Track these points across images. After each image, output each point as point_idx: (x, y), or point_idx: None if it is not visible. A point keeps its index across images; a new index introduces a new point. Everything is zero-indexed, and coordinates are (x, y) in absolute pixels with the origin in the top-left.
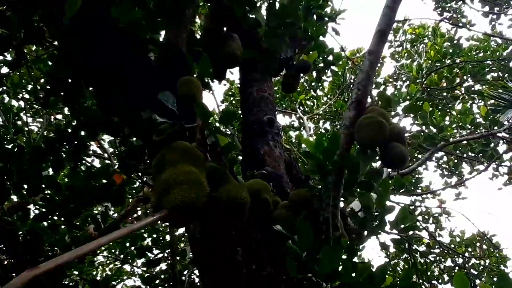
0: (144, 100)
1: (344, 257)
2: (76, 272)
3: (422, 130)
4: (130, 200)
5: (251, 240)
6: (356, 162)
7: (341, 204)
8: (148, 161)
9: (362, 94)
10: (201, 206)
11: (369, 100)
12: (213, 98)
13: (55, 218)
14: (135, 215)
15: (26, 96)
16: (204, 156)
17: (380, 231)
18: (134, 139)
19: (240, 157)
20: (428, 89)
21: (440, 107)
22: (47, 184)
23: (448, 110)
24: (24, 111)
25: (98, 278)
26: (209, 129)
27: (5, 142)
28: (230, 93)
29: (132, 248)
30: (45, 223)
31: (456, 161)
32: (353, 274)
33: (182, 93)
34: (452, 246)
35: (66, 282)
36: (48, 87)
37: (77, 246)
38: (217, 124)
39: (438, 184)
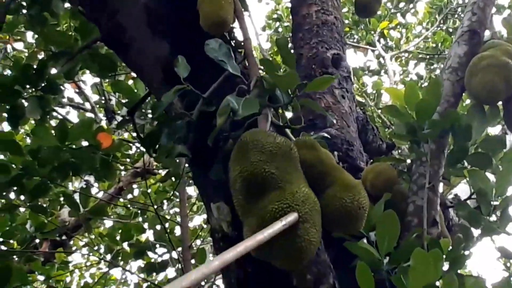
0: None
1: (445, 267)
2: (41, 278)
3: None
4: (123, 173)
5: None
6: (466, 124)
7: (441, 187)
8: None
9: (478, 21)
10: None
11: (488, 31)
12: (251, 23)
13: (12, 196)
14: (129, 196)
15: None
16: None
17: (500, 230)
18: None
19: (289, 113)
20: None
21: None
22: (2, 146)
23: None
24: None
25: (73, 287)
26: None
27: None
28: (276, 16)
29: (125, 244)
30: None
31: None
32: None
33: (207, 17)
34: None
35: None
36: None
37: (44, 237)
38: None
39: None
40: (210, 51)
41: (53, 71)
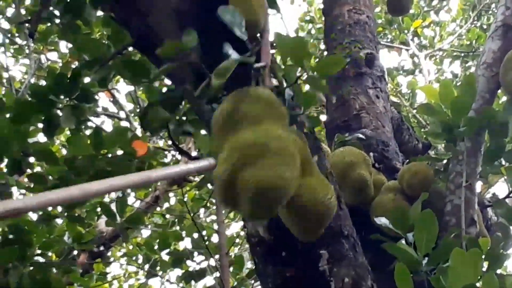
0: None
1: (484, 267)
2: None
3: None
4: (159, 182)
5: (341, 238)
6: (503, 120)
7: (479, 186)
8: (184, 117)
9: None
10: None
11: None
12: (283, 25)
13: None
14: (166, 204)
15: (5, 25)
16: None
17: None
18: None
19: (323, 115)
20: None
21: None
22: (37, 156)
23: None
24: (2, 48)
25: None
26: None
27: None
28: (308, 17)
29: (163, 253)
30: (34, 214)
31: None
32: None
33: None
34: None
35: None
36: (38, 8)
37: (82, 248)
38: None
39: None
40: (222, 11)
41: (87, 80)
